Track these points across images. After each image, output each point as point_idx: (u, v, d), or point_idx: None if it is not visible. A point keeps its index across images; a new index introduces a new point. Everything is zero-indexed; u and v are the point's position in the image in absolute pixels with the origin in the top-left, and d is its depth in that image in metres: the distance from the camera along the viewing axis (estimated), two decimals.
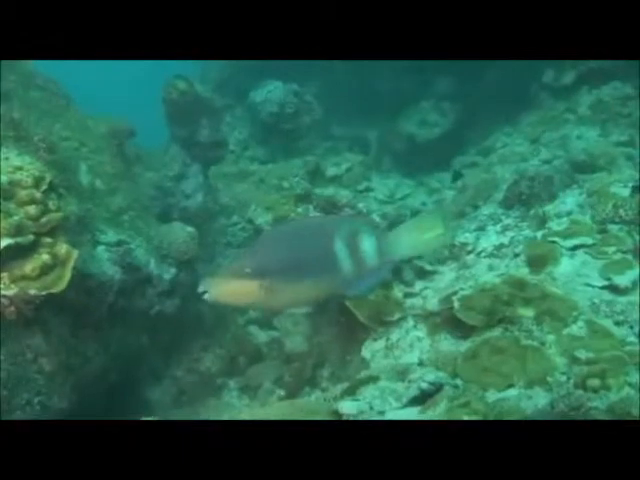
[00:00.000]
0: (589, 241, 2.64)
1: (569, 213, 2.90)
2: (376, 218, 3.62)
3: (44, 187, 2.20)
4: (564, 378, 2.01)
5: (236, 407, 2.80)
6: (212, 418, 2.65)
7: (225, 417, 2.55)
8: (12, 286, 2.05)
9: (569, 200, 3.00)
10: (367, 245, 2.21)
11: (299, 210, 3.61)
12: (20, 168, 2.18)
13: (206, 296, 2.09)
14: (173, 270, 3.02)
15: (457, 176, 4.26)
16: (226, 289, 2.13)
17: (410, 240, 2.33)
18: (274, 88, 4.84)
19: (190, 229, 3.19)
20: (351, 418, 1.95)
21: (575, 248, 2.64)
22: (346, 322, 2.90)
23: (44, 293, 2.09)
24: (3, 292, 2.04)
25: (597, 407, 1.70)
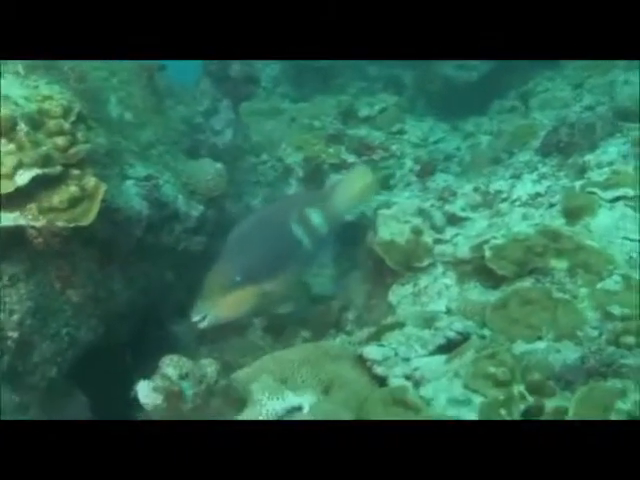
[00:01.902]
0: (630, 193, 2.53)
1: (611, 163, 2.78)
2: (409, 162, 3.54)
3: (73, 118, 2.16)
4: (595, 333, 1.97)
5: (260, 347, 2.80)
6: (235, 357, 2.67)
7: (249, 356, 2.56)
8: (40, 217, 2.04)
9: (611, 149, 2.88)
10: (315, 217, 2.35)
11: (330, 150, 3.54)
12: (49, 97, 2.14)
13: (206, 322, 2.02)
14: (201, 207, 2.99)
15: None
16: (226, 305, 2.08)
17: (347, 196, 2.61)
18: None
19: (219, 166, 3.15)
20: (375, 364, 1.93)
21: (615, 200, 2.54)
22: (373, 266, 2.87)
23: (72, 225, 2.08)
24: (31, 223, 2.03)
25: (630, 365, 1.65)
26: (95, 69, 2.94)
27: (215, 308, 2.10)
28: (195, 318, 2.06)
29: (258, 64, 4.47)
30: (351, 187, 2.63)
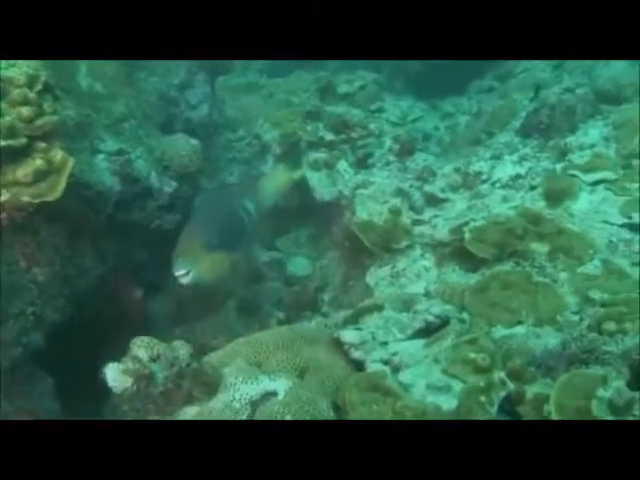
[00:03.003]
0: (611, 176, 2.52)
1: (592, 146, 2.76)
2: (388, 141, 3.47)
3: (38, 87, 2.06)
4: (576, 318, 1.94)
5: (234, 328, 2.75)
6: (209, 338, 2.62)
7: (222, 337, 2.51)
8: (3, 192, 1.95)
9: (592, 132, 2.85)
10: (249, 205, 2.70)
11: (308, 128, 3.46)
12: (12, 65, 2.04)
13: (190, 277, 2.02)
14: (174, 184, 2.90)
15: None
16: (207, 264, 2.17)
17: (268, 191, 2.96)
18: None
19: (194, 141, 3.05)
20: (352, 348, 1.89)
21: (596, 183, 2.52)
22: (351, 246, 2.82)
23: (37, 201, 1.99)
24: None
25: (611, 351, 1.63)
26: None
27: (198, 265, 2.14)
28: (179, 272, 2.05)
29: None
30: (271, 184, 3.05)
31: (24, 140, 1.97)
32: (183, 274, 2.07)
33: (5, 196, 1.93)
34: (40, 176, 1.99)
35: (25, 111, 1.98)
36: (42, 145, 2.02)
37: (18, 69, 2.03)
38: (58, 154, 2.05)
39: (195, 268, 2.12)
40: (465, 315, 2.07)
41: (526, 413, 1.61)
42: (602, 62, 3.75)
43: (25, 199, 1.97)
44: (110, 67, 2.92)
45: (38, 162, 1.99)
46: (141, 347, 1.67)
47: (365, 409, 1.62)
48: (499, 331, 1.97)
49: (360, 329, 1.98)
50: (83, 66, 2.74)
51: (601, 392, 1.54)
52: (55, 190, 2.01)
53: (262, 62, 4.94)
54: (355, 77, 4.07)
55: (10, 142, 1.93)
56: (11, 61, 2.09)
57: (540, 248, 2.27)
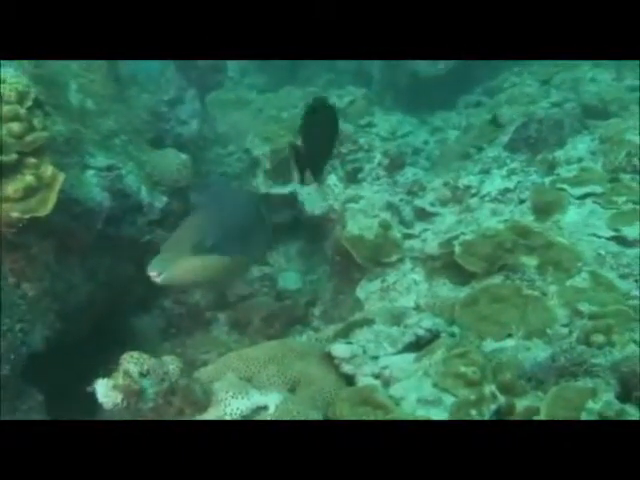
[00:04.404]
0: (599, 190, 2.54)
1: (580, 160, 2.78)
2: (378, 155, 3.49)
3: (29, 103, 2.07)
4: (565, 331, 1.95)
5: (225, 343, 2.74)
6: (200, 352, 2.61)
7: (214, 353, 2.50)
8: None
9: (580, 146, 2.88)
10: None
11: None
12: (3, 81, 2.04)
13: (161, 277, 1.95)
14: (165, 199, 2.91)
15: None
16: (190, 267, 2.01)
17: None
18: None
19: (184, 157, 3.07)
20: (343, 362, 1.89)
21: (584, 197, 2.54)
22: (341, 261, 2.83)
23: (27, 217, 1.98)
24: None
25: (600, 364, 1.64)
26: None
27: (175, 267, 1.99)
28: (151, 272, 1.94)
29: None
30: None
31: (14, 156, 1.97)
32: (154, 275, 1.98)
33: None
34: (30, 192, 1.99)
35: (16, 127, 1.98)
36: (32, 161, 2.02)
37: (9, 85, 2.03)
38: (48, 170, 2.05)
39: (168, 271, 2.00)
40: (455, 329, 2.08)
41: None
42: (588, 77, 3.80)
43: (15, 215, 1.96)
44: (100, 83, 2.93)
45: (28, 178, 1.99)
46: (131, 362, 1.66)
47: None
48: (489, 344, 1.97)
49: (351, 343, 1.98)
50: (73, 83, 2.74)
51: (591, 404, 1.55)
52: (45, 206, 2.01)
53: (252, 77, 4.97)
54: (345, 92, 4.10)
55: (0, 158, 1.92)
56: (1, 77, 2.10)
57: (529, 261, 2.28)
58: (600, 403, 1.55)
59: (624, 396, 1.58)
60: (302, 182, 2.12)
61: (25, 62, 2.27)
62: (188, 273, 2.04)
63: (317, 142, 2.07)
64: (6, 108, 1.99)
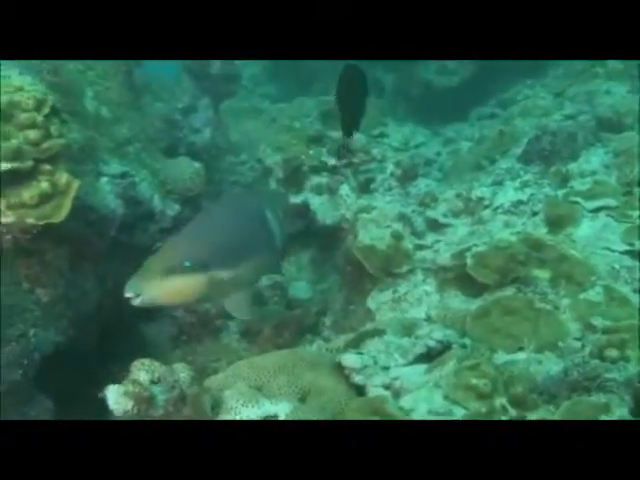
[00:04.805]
0: (613, 203, 2.52)
1: (593, 173, 2.77)
2: (390, 166, 3.49)
3: (46, 111, 2.09)
4: (577, 345, 1.94)
5: (235, 350, 2.74)
6: (210, 360, 2.61)
7: (224, 361, 2.50)
8: (9, 213, 1.96)
9: (594, 159, 2.87)
10: (270, 216, 2.44)
11: (311, 152, 3.47)
12: (21, 89, 2.06)
13: (138, 300, 1.90)
14: (177, 206, 2.93)
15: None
16: (167, 288, 1.95)
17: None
18: None
19: (197, 165, 3.08)
20: (353, 373, 1.88)
21: (597, 210, 2.53)
22: (352, 270, 2.82)
23: (42, 223, 2.00)
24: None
25: (614, 379, 1.62)
26: (70, 61, 2.86)
27: (150, 289, 1.93)
28: (127, 294, 1.91)
29: (239, 63, 4.40)
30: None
31: (30, 163, 1.99)
32: (131, 297, 1.93)
33: (10, 218, 1.94)
34: (45, 198, 2.01)
35: (32, 134, 2.00)
36: (48, 168, 2.04)
37: (27, 93, 2.05)
38: (63, 177, 2.07)
39: (145, 292, 1.91)
40: (467, 340, 2.07)
41: None
42: (603, 89, 3.79)
43: (30, 221, 1.98)
44: (116, 91, 2.96)
45: (43, 185, 2.00)
46: (142, 369, 1.67)
47: None
48: (501, 357, 1.96)
49: (361, 353, 1.97)
50: (89, 90, 2.77)
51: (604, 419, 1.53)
52: (60, 212, 2.03)
53: (266, 87, 4.99)
54: None
55: (17, 165, 1.94)
56: (18, 84, 2.12)
57: (542, 274, 2.26)
58: (613, 419, 1.53)
59: (638, 412, 1.57)
60: (348, 134, 2.31)
61: (44, 70, 2.29)
62: (165, 295, 1.97)
63: (352, 100, 2.30)
64: (24, 116, 2.01)
